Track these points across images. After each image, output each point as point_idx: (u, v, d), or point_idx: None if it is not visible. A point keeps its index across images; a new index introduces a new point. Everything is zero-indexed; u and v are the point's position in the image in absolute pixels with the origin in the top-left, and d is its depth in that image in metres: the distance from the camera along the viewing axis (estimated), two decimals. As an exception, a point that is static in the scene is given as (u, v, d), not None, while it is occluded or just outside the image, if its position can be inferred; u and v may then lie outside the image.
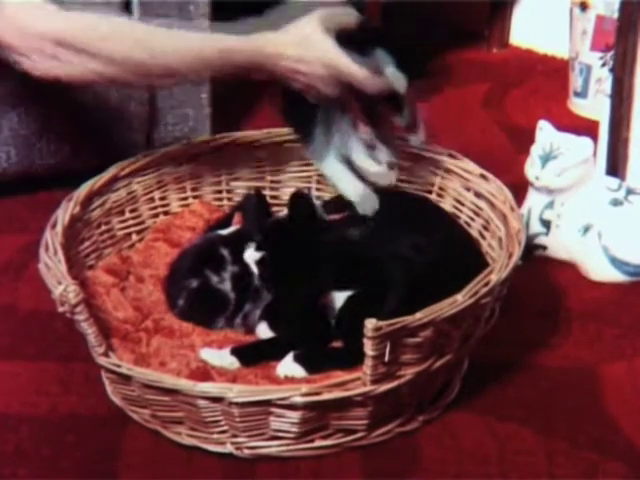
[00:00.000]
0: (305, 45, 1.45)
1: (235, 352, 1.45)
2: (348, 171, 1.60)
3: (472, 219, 1.65)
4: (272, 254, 1.45)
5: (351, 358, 1.38)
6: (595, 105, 2.31)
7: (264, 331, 1.53)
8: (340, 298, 1.45)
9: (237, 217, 1.74)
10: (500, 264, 1.40)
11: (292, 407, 1.32)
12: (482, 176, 1.64)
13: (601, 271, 1.78)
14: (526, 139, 1.88)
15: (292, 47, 1.45)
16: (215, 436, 1.38)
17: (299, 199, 1.48)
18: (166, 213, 1.77)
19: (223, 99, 2.18)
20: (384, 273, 1.45)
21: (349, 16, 1.53)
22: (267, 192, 1.79)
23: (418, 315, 1.30)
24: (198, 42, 1.47)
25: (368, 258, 1.47)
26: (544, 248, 1.84)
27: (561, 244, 1.82)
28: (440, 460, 1.38)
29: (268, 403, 1.32)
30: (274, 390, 1.33)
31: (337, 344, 1.48)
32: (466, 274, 1.39)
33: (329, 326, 1.48)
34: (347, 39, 1.49)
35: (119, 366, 1.38)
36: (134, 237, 1.73)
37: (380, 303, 1.42)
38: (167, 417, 1.40)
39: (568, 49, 2.42)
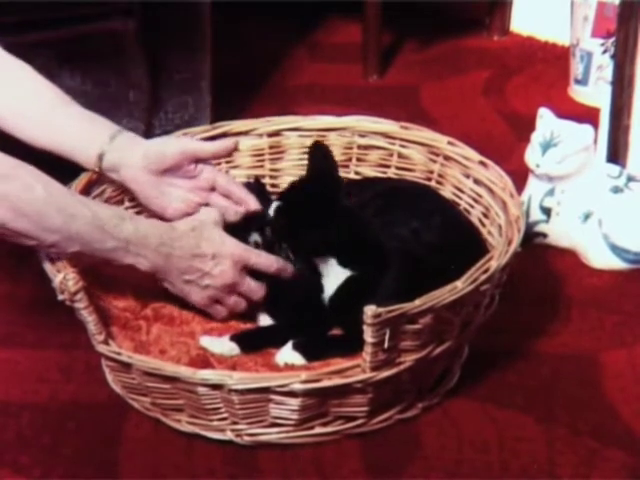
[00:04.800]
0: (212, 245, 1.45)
1: (235, 338, 1.45)
2: None
3: (472, 206, 1.65)
4: (291, 209, 1.44)
5: (351, 346, 1.38)
6: (596, 92, 2.30)
7: (265, 321, 1.53)
8: (340, 275, 1.45)
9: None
10: (500, 251, 1.40)
11: (292, 394, 1.32)
12: (482, 163, 1.63)
13: (601, 258, 1.78)
14: (526, 126, 1.88)
15: (205, 243, 1.45)
16: (215, 423, 1.38)
17: (319, 148, 1.47)
18: (166, 201, 1.76)
19: (223, 87, 2.18)
20: (384, 257, 1.44)
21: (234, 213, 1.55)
22: (267, 180, 1.78)
23: (418, 302, 1.30)
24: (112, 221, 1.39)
25: (371, 240, 1.46)
26: (544, 236, 1.84)
27: (561, 232, 1.82)
28: (440, 447, 1.38)
29: (268, 390, 1.32)
30: (274, 377, 1.33)
31: (335, 331, 1.48)
32: (466, 260, 1.39)
33: (327, 313, 1.47)
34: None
35: (119, 354, 1.38)
36: (134, 225, 1.72)
37: (378, 288, 1.42)
38: (167, 404, 1.40)
39: (569, 36, 2.42)
